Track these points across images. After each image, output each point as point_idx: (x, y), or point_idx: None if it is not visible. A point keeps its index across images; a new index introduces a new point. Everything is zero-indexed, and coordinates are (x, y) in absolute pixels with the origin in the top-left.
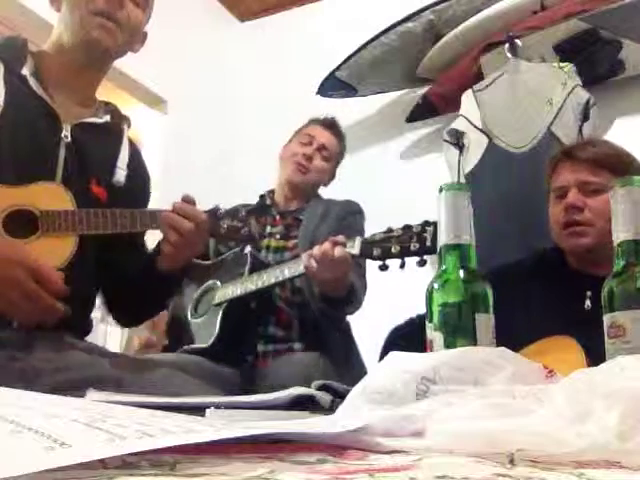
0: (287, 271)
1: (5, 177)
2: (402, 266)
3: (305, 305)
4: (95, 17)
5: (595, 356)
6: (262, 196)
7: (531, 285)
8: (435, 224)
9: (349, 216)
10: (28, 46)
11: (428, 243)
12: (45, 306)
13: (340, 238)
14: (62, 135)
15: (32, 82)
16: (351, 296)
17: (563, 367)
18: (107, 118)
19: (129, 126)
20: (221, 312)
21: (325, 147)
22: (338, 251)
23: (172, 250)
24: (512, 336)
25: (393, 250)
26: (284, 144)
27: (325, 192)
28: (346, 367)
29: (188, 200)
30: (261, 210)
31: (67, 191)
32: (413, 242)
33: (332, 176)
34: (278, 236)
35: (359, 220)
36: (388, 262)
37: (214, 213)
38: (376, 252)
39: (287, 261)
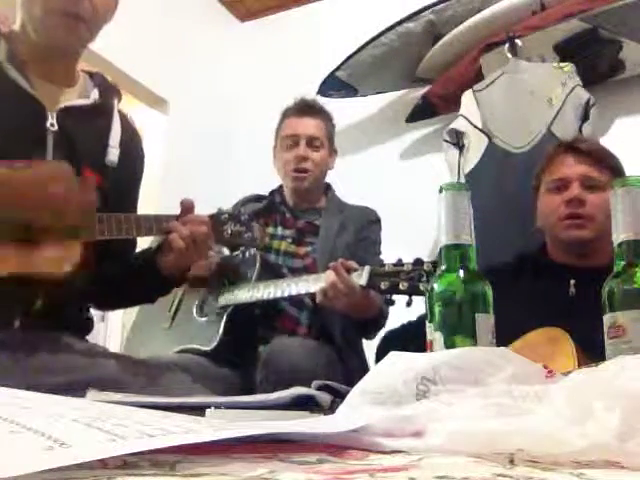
0: (295, 287)
1: None
2: (409, 304)
3: (316, 310)
4: (54, 16)
5: (580, 340)
6: (272, 192)
7: (516, 283)
8: None
9: (367, 227)
10: None
11: None
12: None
13: (351, 263)
14: (48, 124)
15: (9, 69)
16: (380, 321)
17: (554, 359)
18: (95, 95)
19: (119, 99)
20: (226, 316)
21: (313, 137)
22: (343, 282)
23: (175, 258)
24: (499, 333)
25: (401, 287)
26: (273, 146)
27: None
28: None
29: (188, 205)
30: (271, 208)
31: None
32: (423, 282)
33: (334, 152)
34: (290, 240)
35: (377, 230)
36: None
37: (218, 217)
38: (383, 285)
39: (298, 277)
